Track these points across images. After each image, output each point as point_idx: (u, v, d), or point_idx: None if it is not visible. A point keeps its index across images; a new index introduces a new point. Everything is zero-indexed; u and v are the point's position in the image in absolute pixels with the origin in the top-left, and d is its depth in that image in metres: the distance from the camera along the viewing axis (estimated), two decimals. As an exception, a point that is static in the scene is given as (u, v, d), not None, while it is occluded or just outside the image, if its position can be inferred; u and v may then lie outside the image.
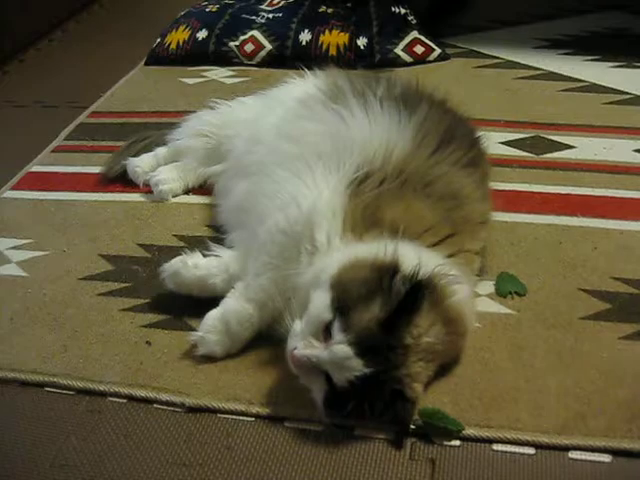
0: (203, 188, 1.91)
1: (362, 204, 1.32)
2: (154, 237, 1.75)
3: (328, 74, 1.74)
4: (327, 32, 2.67)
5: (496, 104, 2.31)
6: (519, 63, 2.64)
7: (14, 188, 2.01)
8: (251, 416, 1.26)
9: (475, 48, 2.80)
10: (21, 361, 1.40)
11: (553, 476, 1.14)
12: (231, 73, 2.67)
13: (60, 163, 2.12)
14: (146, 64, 2.81)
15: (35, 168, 2.11)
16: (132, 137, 2.06)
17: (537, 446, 1.18)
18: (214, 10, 2.86)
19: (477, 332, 1.37)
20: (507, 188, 1.84)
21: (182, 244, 1.70)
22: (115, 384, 1.33)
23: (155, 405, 1.30)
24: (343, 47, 2.63)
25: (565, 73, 2.53)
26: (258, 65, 2.70)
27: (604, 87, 2.41)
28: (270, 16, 2.77)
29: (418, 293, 1.14)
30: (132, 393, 1.31)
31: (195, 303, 1.45)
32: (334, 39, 2.65)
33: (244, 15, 2.80)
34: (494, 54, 2.73)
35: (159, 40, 2.83)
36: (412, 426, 1.20)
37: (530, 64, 2.62)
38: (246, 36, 2.73)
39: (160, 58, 2.79)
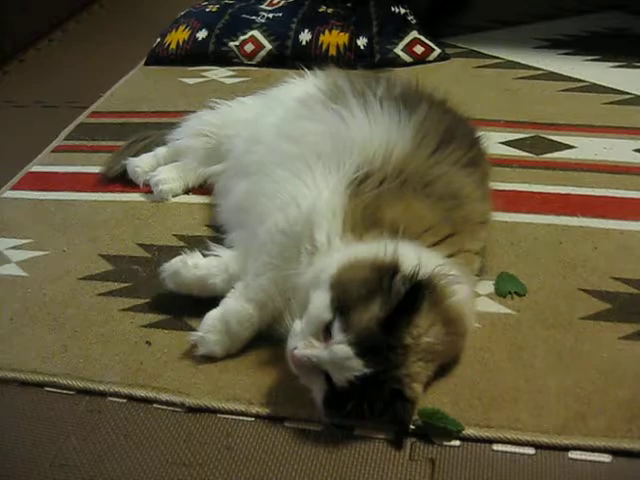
0: (203, 188, 1.91)
1: (362, 204, 1.32)
2: (154, 237, 1.75)
3: (328, 74, 1.74)
4: (327, 32, 2.67)
5: (496, 104, 2.31)
6: (519, 63, 2.64)
7: (14, 188, 2.01)
8: (251, 416, 1.26)
9: (475, 48, 2.80)
10: (21, 361, 1.40)
11: (553, 476, 1.14)
12: (231, 73, 2.67)
13: (60, 163, 2.12)
14: (146, 64, 2.81)
15: (35, 168, 2.11)
16: (132, 137, 2.06)
17: (537, 446, 1.18)
18: (214, 10, 2.86)
19: (477, 332, 1.37)
20: (507, 188, 1.84)
21: (182, 244, 1.70)
22: (115, 384, 1.33)
23: (155, 405, 1.30)
24: (343, 47, 2.63)
25: (565, 73, 2.53)
26: (258, 65, 2.70)
27: (604, 87, 2.41)
28: (270, 16, 2.77)
29: (418, 293, 1.14)
30: (132, 393, 1.31)
31: (195, 303, 1.45)
32: (334, 39, 2.65)
33: (244, 15, 2.80)
34: (494, 54, 2.73)
35: (159, 40, 2.83)
36: (412, 426, 1.20)
37: (530, 64, 2.62)
38: (246, 36, 2.73)
39: (160, 58, 2.79)
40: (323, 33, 2.67)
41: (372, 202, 1.32)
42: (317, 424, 1.23)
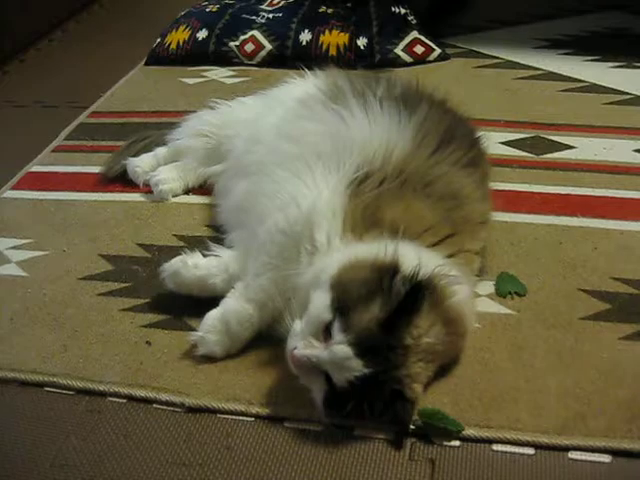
0: (203, 188, 1.91)
1: (362, 204, 1.32)
2: (154, 237, 1.75)
3: (328, 74, 1.74)
4: (327, 32, 2.67)
5: (496, 104, 2.31)
6: (519, 63, 2.64)
7: (14, 188, 2.01)
8: (251, 416, 1.26)
9: (475, 48, 2.80)
10: (21, 361, 1.40)
11: (553, 476, 1.14)
12: (231, 73, 2.67)
13: (60, 163, 2.12)
14: (146, 64, 2.81)
15: (35, 168, 2.11)
16: (132, 137, 2.06)
17: (537, 446, 1.18)
18: (214, 10, 2.86)
19: (477, 332, 1.37)
20: (507, 188, 1.84)
21: (182, 244, 1.70)
22: (115, 384, 1.33)
23: (155, 405, 1.30)
24: (343, 47, 2.63)
25: (565, 73, 2.53)
26: (258, 65, 2.70)
27: (604, 87, 2.41)
28: (270, 16, 2.77)
29: (418, 294, 1.14)
30: (132, 393, 1.31)
31: (195, 303, 1.45)
32: (334, 39, 2.65)
33: (244, 15, 2.80)
34: (494, 54, 2.73)
35: (159, 40, 2.83)
36: (412, 426, 1.20)
37: (530, 64, 2.62)
38: (246, 36, 2.73)
39: (160, 58, 2.79)
40: (323, 33, 2.67)
41: (372, 202, 1.32)
42: (317, 424, 1.23)
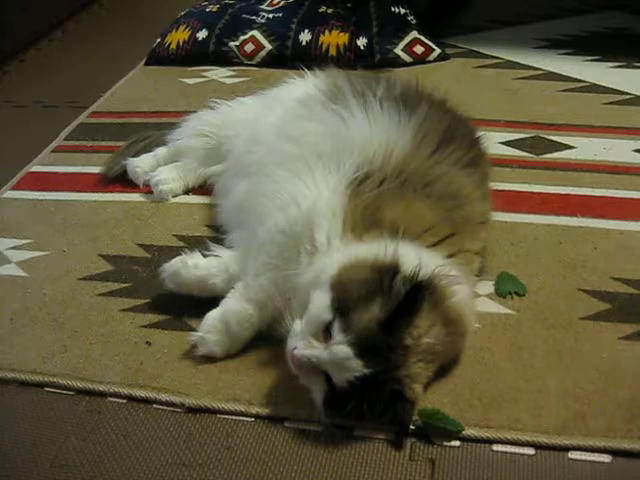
0: (203, 188, 1.91)
1: (362, 204, 1.32)
2: (154, 237, 1.75)
3: (328, 74, 1.74)
4: (327, 32, 2.67)
5: (496, 104, 2.31)
6: (519, 63, 2.64)
7: (14, 188, 2.01)
8: (251, 416, 1.26)
9: (475, 48, 2.80)
10: (21, 361, 1.40)
11: (553, 476, 1.14)
12: (231, 73, 2.67)
13: (60, 163, 2.12)
14: (146, 64, 2.81)
15: (35, 168, 2.11)
16: (132, 137, 2.06)
17: (537, 446, 1.18)
18: (214, 10, 2.86)
19: (477, 332, 1.37)
20: (507, 188, 1.84)
21: (182, 244, 1.70)
22: (115, 384, 1.33)
23: (155, 405, 1.30)
24: (343, 47, 2.63)
25: (565, 73, 2.53)
26: (258, 65, 2.70)
27: (604, 87, 2.41)
28: (270, 16, 2.77)
29: (418, 294, 1.14)
30: (132, 393, 1.31)
31: (195, 303, 1.45)
32: (334, 39, 2.65)
33: (244, 15, 2.80)
34: (494, 54, 2.73)
35: (159, 40, 2.83)
36: (412, 426, 1.20)
37: (530, 64, 2.62)
38: (246, 36, 2.73)
39: (160, 58, 2.79)
40: (323, 33, 2.67)
41: (372, 202, 1.32)
42: (317, 424, 1.23)
